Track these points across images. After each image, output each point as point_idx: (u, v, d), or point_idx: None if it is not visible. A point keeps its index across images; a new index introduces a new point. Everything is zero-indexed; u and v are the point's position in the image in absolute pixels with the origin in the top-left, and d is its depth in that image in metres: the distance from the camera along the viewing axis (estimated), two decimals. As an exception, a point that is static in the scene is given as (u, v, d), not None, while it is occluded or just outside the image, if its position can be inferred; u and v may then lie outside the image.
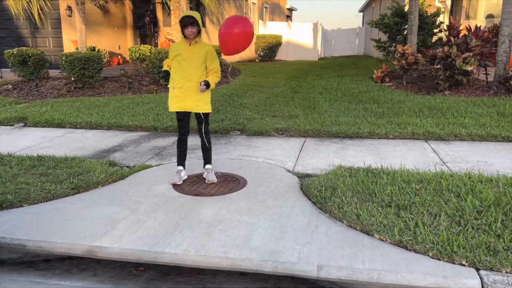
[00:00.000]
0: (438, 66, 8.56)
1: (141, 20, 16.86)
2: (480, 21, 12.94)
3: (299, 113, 7.26)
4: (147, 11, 16.67)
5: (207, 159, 4.32)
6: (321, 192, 3.69)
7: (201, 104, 4.08)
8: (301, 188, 4.00)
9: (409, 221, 3.11)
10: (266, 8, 24.32)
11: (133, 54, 11.73)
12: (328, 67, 16.62)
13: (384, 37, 15.12)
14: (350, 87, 9.69)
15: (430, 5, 11.46)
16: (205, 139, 4.25)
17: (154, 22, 16.82)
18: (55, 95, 9.36)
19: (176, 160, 4.34)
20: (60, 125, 6.86)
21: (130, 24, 16.84)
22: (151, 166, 4.75)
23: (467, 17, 13.09)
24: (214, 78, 4.08)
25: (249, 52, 20.86)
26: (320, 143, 5.65)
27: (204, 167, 4.33)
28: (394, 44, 11.12)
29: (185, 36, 3.99)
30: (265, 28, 21.56)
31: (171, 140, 5.90)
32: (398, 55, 9.28)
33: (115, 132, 6.48)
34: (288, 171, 4.54)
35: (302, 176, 4.37)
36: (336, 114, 7.00)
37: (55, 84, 10.26)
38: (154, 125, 6.58)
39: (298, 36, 22.11)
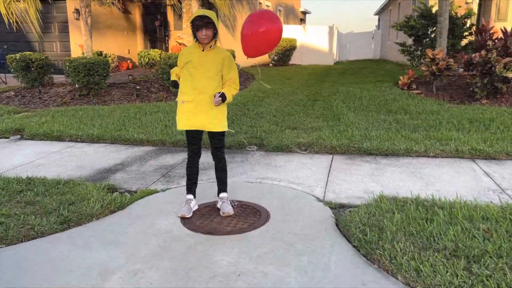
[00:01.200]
0: (473, 72, 7.77)
1: (151, 23, 16.30)
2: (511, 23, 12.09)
3: (322, 124, 6.54)
4: (157, 14, 16.10)
5: (222, 186, 3.62)
6: (364, 234, 2.96)
7: (216, 121, 3.39)
8: (336, 225, 3.28)
9: (488, 280, 2.38)
10: (280, 11, 23.66)
11: (142, 59, 11.16)
12: (346, 72, 15.86)
13: (406, 40, 14.34)
14: (375, 94, 8.94)
15: (460, 6, 10.69)
16: (220, 162, 3.56)
17: (165, 26, 16.24)
18: (58, 103, 8.78)
19: (185, 185, 3.65)
20: (59, 138, 6.23)
21: (140, 28, 16.29)
22: (156, 191, 4.07)
23: (498, 19, 12.26)
24: (231, 90, 3.39)
25: (263, 56, 20.20)
26: (350, 162, 4.92)
27: (218, 195, 3.63)
28: (420, 48, 10.34)
29: (197, 40, 3.31)
30: (279, 31, 20.85)
31: (180, 157, 5.22)
32: (428, 60, 8.51)
33: (118, 146, 5.82)
34: (318, 199, 3.82)
35: (335, 207, 3.65)
36: (365, 127, 6.26)
37: (59, 91, 9.69)
38: (162, 138, 5.91)
39: (313, 39, 21.40)
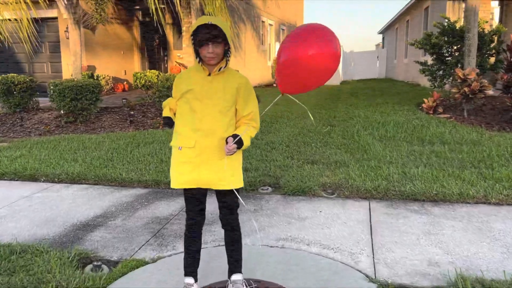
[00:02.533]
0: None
1: (150, 43, 15.45)
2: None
3: (347, 158, 5.51)
4: (156, 34, 15.26)
5: (235, 265, 2.56)
6: None
7: (228, 176, 2.35)
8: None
9: None
10: (283, 30, 22.93)
11: (137, 81, 10.25)
12: (356, 92, 14.92)
13: (420, 58, 13.47)
14: (399, 120, 7.93)
15: (486, 22, 9.81)
16: (233, 231, 2.52)
17: (164, 45, 15.38)
18: (41, 132, 7.77)
19: (183, 251, 2.58)
20: (33, 177, 5.18)
21: (137, 47, 15.43)
22: (144, 263, 3.01)
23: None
24: (250, 131, 2.37)
25: (265, 76, 19.33)
26: (394, 213, 3.87)
27: (229, 278, 2.57)
28: (443, 68, 9.40)
29: (201, 61, 2.32)
30: (283, 50, 20.03)
31: (177, 205, 4.18)
32: (459, 81, 7.52)
33: (102, 189, 4.77)
34: (368, 278, 2.75)
35: (396, 294, 2.59)
36: (400, 162, 5.22)
37: (44, 117, 8.69)
38: (156, 178, 4.87)
39: (319, 59, 20.52)
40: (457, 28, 9.15)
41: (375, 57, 28.25)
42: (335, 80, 20.54)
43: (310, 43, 2.21)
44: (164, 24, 14.53)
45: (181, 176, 2.35)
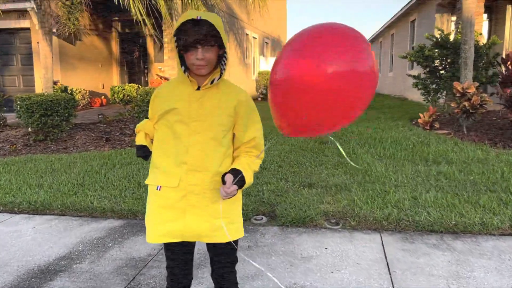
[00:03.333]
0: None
1: (129, 55, 14.80)
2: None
3: (348, 180, 4.97)
4: (136, 45, 14.63)
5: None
6: None
7: (225, 224, 1.76)
8: None
9: None
10: (267, 43, 22.57)
11: (115, 95, 9.60)
12: (344, 107, 14.50)
13: (407, 71, 13.17)
14: (396, 136, 7.46)
15: (481, 34, 9.53)
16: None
17: (144, 58, 14.76)
18: (6, 152, 7.02)
19: None
20: (-12, 206, 4.48)
21: (116, 60, 14.75)
22: (115, 326, 2.37)
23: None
24: (253, 164, 1.80)
25: (249, 90, 18.86)
26: (412, 248, 3.32)
27: None
28: (436, 81, 9.04)
29: (187, 70, 1.75)
30: (268, 64, 19.65)
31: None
32: (458, 95, 7.12)
33: (69, 221, 4.10)
34: None
35: None
36: (408, 185, 4.70)
37: (10, 135, 7.94)
38: (132, 208, 4.23)
39: (303, 72, 20.18)
40: (451, 40, 8.81)
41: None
42: (320, 94, 20.18)
43: (329, 53, 1.42)
44: (144, 36, 13.95)
45: (160, 226, 1.75)
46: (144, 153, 1.83)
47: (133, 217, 4.15)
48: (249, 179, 1.74)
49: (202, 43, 1.63)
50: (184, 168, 1.72)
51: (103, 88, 13.90)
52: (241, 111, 1.79)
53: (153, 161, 1.82)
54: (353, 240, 3.53)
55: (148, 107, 7.26)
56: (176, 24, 1.67)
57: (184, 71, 1.74)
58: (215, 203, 1.73)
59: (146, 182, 1.83)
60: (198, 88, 1.75)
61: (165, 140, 1.77)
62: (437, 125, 7.91)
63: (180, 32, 1.65)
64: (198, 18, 1.61)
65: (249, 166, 1.76)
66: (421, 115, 8.12)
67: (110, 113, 10.72)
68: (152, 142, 1.86)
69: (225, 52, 1.73)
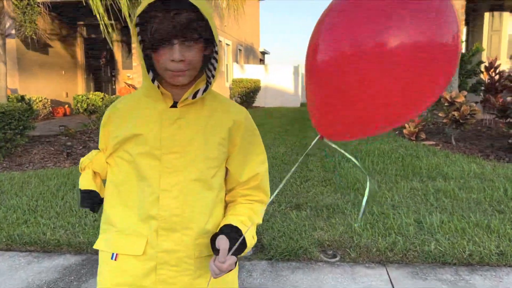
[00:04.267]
0: (509, 119, 6.09)
1: (95, 61, 13.98)
2: (504, 61, 10.92)
3: (339, 199, 4.48)
4: (102, 51, 13.84)
5: None
6: None
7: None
8: None
9: None
10: (240, 50, 22.10)
11: (79, 104, 8.84)
12: (321, 115, 14.12)
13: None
14: (382, 148, 7.05)
15: (463, 41, 9.32)
16: None
17: (112, 64, 13.97)
18: (-51, 170, 6.17)
19: None
20: None
21: (81, 67, 13.90)
22: None
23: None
24: (255, 216, 1.25)
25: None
26: (425, 287, 2.82)
27: None
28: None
29: (156, 77, 1.19)
30: (243, 71, 19.17)
31: (123, 286, 2.90)
32: (445, 104, 6.78)
33: (15, 259, 3.41)
34: None
35: None
36: (408, 206, 4.24)
37: (-43, 149, 7.07)
38: (93, 240, 3.55)
39: (278, 80, 19.82)
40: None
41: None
42: (294, 102, 19.85)
43: (407, 17, 0.90)
44: (111, 42, 13.20)
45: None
46: (92, 202, 1.24)
47: (95, 252, 3.49)
48: (251, 241, 1.18)
49: (181, 36, 1.07)
50: (153, 226, 1.15)
51: (67, 96, 13.02)
52: (238, 137, 1.23)
53: (105, 215, 1.23)
54: (355, 276, 3.01)
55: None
56: (140, 8, 1.09)
57: (153, 80, 1.17)
58: (201, 280, 1.16)
59: (95, 246, 1.24)
60: (174, 105, 1.19)
61: (124, 182, 1.19)
62: (423, 135, 7.56)
63: (145, 20, 1.08)
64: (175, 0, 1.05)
65: (250, 219, 1.20)
66: (406, 125, 7.75)
67: (74, 124, 9.93)
68: (104, 185, 1.27)
69: (215, 52, 1.17)
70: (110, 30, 7.45)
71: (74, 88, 13.52)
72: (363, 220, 3.82)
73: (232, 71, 19.25)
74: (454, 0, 7.45)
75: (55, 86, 12.59)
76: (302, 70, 20.91)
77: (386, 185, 4.99)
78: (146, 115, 1.19)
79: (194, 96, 1.18)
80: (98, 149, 1.31)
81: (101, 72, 14.05)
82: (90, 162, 1.26)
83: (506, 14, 10.98)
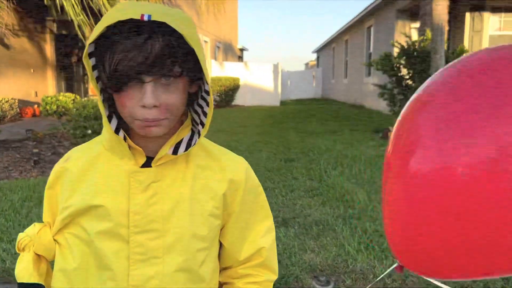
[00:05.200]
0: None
1: (67, 59, 13.35)
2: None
3: (328, 214, 4.22)
4: (75, 49, 13.21)
5: None
6: None
7: None
8: None
9: None
10: (218, 47, 21.69)
11: (48, 106, 8.31)
12: (301, 116, 13.93)
13: (375, 80, 12.86)
14: (367, 153, 6.84)
15: (447, 41, 9.20)
16: None
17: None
18: None
19: None
20: None
21: (52, 65, 13.24)
22: None
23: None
24: None
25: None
26: (432, 323, 2.57)
27: None
28: (404, 92, 8.56)
29: (121, 125, 0.86)
30: (222, 69, 18.77)
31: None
32: (432, 108, 6.59)
33: (-33, 295, 3.00)
34: None
35: None
36: (399, 221, 3.99)
37: None
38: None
39: (257, 78, 19.52)
40: (415, 48, 8.36)
41: (311, 76, 27.94)
42: (274, 100, 19.60)
43: None
44: (84, 38, 12.61)
45: None
46: None
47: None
48: None
49: (155, 72, 0.74)
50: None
51: (36, 96, 12.37)
52: (236, 204, 0.92)
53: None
54: (353, 310, 2.73)
55: (84, 122, 5.70)
56: (95, 31, 0.75)
57: (117, 128, 0.83)
58: None
59: None
60: (148, 163, 0.85)
61: (78, 272, 0.86)
62: (408, 139, 7.37)
63: (103, 48, 0.75)
64: (145, 17, 0.72)
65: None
66: (391, 128, 7.54)
67: (44, 126, 9.38)
68: (52, 273, 0.93)
69: (205, 91, 0.85)
70: (82, 25, 6.97)
71: (44, 87, 12.87)
72: (356, 240, 3.56)
73: (212, 69, 18.84)
74: (440, 1, 7.27)
75: (23, 85, 11.94)
76: (281, 68, 20.67)
77: (376, 196, 4.75)
78: (108, 177, 0.85)
79: (176, 151, 0.85)
80: (44, 218, 0.96)
81: (72, 70, 13.43)
82: (30, 240, 0.92)
83: (486, 15, 10.96)
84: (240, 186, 0.93)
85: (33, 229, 0.93)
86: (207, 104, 0.84)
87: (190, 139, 0.87)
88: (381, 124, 10.10)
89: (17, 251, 0.95)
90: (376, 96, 11.57)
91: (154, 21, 0.73)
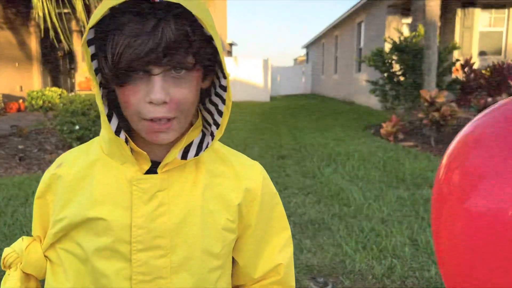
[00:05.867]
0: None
1: (53, 53, 13.06)
2: (474, 59, 10.93)
3: (323, 212, 4.14)
4: (60, 42, 12.91)
5: None
6: None
7: None
8: None
9: None
10: (207, 42, 21.45)
11: (33, 101, 8.10)
12: (292, 112, 13.87)
13: (367, 76, 12.86)
14: (360, 150, 6.78)
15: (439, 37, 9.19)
16: None
17: (71, 57, 13.10)
18: None
19: None
20: None
21: (37, 59, 12.94)
22: None
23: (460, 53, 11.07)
24: None
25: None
26: (434, 326, 2.51)
27: None
28: (396, 88, 8.52)
29: (123, 126, 0.74)
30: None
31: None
32: (425, 104, 6.57)
33: None
34: None
35: None
36: (397, 219, 3.94)
37: None
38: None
39: (247, 73, 19.39)
40: (404, 44, 8.31)
41: (300, 72, 27.88)
42: (264, 96, 19.50)
43: None
44: (69, 33, 12.33)
45: None
46: None
47: None
48: None
49: (166, 63, 0.64)
50: None
51: (21, 90, 12.09)
52: (253, 215, 0.82)
53: None
54: (353, 312, 2.66)
55: (71, 118, 5.45)
56: (95, 15, 0.65)
57: (118, 129, 0.73)
58: None
59: None
60: (153, 169, 0.75)
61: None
62: (401, 136, 7.35)
63: (105, 34, 0.64)
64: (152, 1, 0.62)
65: None
66: (384, 125, 7.52)
67: (29, 122, 9.16)
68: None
69: (220, 86, 0.75)
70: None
71: (29, 81, 12.58)
72: (354, 239, 3.48)
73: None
74: (431, 1, 7.21)
75: (7, 79, 11.65)
76: (271, 63, 20.58)
77: (371, 194, 4.69)
78: (107, 186, 0.74)
79: (185, 155, 0.75)
80: (33, 231, 0.85)
81: (59, 64, 13.14)
82: (18, 257, 0.80)
83: (477, 11, 10.99)
84: (256, 195, 0.83)
85: (20, 243, 0.82)
86: (223, 102, 0.74)
87: (201, 142, 0.77)
88: (372, 121, 10.08)
89: (3, 269, 0.84)
90: (366, 92, 11.56)
91: (167, 1, 0.62)
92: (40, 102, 8.17)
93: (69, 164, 0.80)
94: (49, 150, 6.73)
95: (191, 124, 0.77)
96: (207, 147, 0.75)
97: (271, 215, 0.87)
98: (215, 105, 0.76)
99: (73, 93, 8.92)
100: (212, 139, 0.75)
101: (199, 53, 0.67)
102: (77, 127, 6.33)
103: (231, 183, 0.80)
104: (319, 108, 14.58)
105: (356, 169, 5.70)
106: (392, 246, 3.35)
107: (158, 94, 0.65)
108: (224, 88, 0.74)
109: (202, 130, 0.79)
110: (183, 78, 0.68)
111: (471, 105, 7.76)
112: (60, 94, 8.35)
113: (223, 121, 0.74)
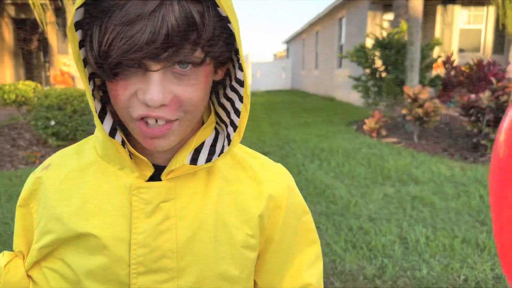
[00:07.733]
0: (473, 117, 5.98)
1: (26, 45, 12.60)
2: (454, 55, 11.06)
3: (311, 210, 4.01)
4: (34, 34, 12.48)
5: None
6: None
7: None
8: None
9: None
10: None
11: (6, 95, 7.75)
12: (274, 107, 13.78)
13: (348, 72, 12.90)
14: (344, 146, 6.74)
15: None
16: None
17: (45, 49, 12.66)
18: None
19: None
20: None
21: (10, 51, 12.46)
22: None
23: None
24: None
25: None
26: (429, 328, 2.45)
27: None
28: (378, 84, 8.53)
29: (116, 125, 0.61)
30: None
31: None
32: (408, 100, 6.58)
33: None
34: None
35: None
36: (385, 217, 3.89)
37: None
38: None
39: (227, 68, 19.15)
40: (386, 40, 8.32)
41: (280, 67, 27.81)
42: (245, 91, 19.34)
43: None
44: (45, 23, 11.92)
45: None
46: None
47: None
48: None
49: (165, 57, 0.52)
50: None
51: (-7, 84, 11.61)
52: (277, 229, 0.71)
53: None
54: (345, 314, 2.58)
55: (46, 113, 5.24)
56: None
57: (113, 130, 0.60)
58: None
59: None
60: (156, 175, 0.62)
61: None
62: (384, 132, 7.35)
63: (95, 15, 0.51)
64: None
65: None
66: (366, 121, 7.50)
67: (1, 116, 8.79)
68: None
69: (235, 78, 0.63)
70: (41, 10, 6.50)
71: (1, 74, 12.10)
72: (343, 238, 3.41)
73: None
74: (414, 1, 7.21)
75: (-22, 72, 11.18)
76: (251, 59, 20.44)
77: (357, 191, 4.64)
78: (102, 195, 0.62)
79: (195, 159, 0.63)
80: (15, 246, 0.71)
81: (32, 57, 12.69)
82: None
83: (457, 8, 11.12)
84: (281, 203, 0.70)
85: (0, 260, 0.68)
86: (240, 98, 0.62)
87: (214, 143, 0.65)
88: (354, 117, 10.08)
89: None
90: (347, 88, 11.57)
91: None
92: (13, 96, 7.83)
93: (58, 167, 0.67)
94: (23, 146, 6.45)
95: (202, 122, 0.65)
96: (221, 149, 0.63)
97: (298, 226, 0.75)
98: (230, 101, 0.64)
99: (48, 87, 8.59)
100: (229, 143, 0.63)
101: (211, 44, 0.54)
102: (52, 122, 6.08)
103: (251, 189, 0.68)
104: (300, 104, 14.54)
105: (340, 165, 5.65)
106: (382, 245, 3.29)
107: (155, 96, 0.52)
108: (241, 83, 0.62)
109: (215, 128, 0.67)
110: (189, 74, 0.55)
111: (451, 101, 7.83)
112: (34, 88, 8.03)
113: (241, 123, 0.62)
